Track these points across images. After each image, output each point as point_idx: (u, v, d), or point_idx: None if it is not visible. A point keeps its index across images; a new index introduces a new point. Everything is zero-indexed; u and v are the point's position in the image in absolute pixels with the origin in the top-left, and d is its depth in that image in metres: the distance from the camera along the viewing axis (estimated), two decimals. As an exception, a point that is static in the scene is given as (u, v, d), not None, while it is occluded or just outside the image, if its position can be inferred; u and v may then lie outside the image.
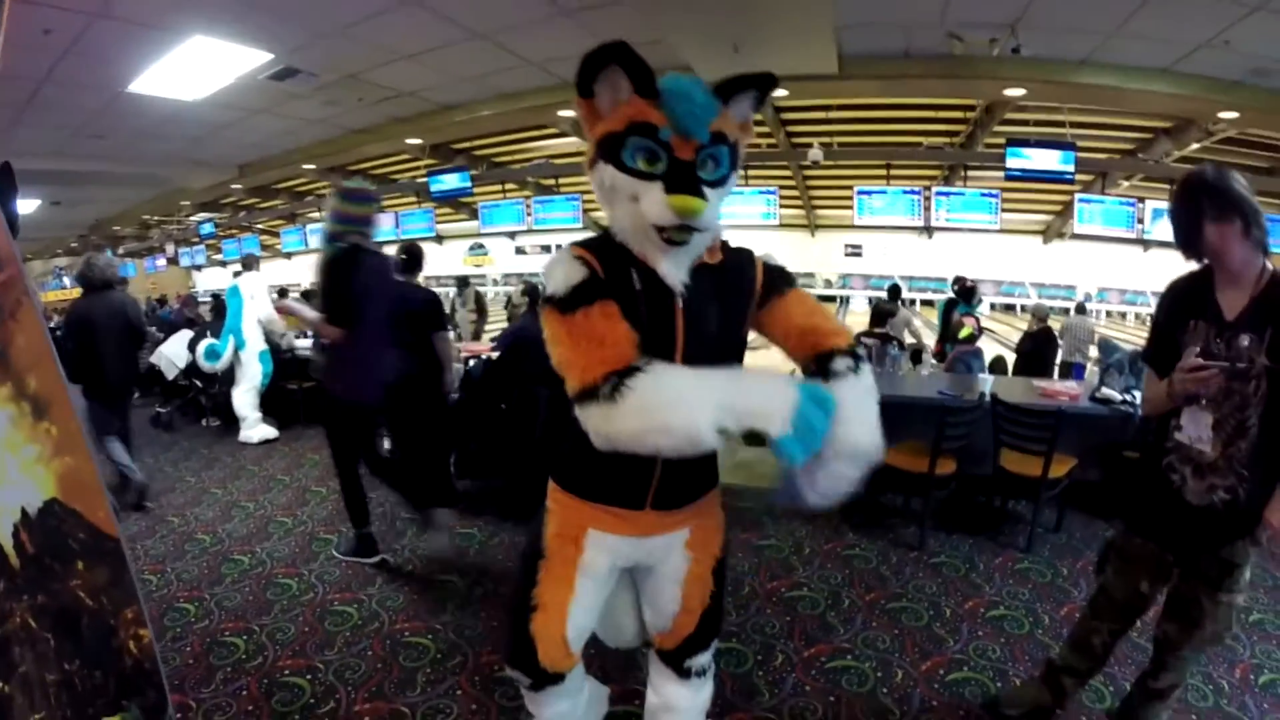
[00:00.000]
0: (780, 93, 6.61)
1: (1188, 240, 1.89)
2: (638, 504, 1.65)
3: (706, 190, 1.43)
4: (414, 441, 4.25)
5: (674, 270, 1.52)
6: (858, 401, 1.47)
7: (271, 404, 6.28)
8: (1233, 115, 7.23)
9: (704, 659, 1.91)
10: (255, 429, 6.04)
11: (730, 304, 1.60)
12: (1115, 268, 18.42)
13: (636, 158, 1.44)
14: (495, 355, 5.06)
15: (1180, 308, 1.98)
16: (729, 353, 1.57)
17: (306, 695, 2.52)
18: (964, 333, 5.99)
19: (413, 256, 4.24)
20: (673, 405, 1.32)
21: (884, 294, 8.65)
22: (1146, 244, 9.18)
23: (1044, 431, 3.71)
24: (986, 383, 4.90)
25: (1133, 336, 16.53)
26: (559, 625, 1.69)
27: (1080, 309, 9.49)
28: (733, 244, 1.66)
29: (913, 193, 9.23)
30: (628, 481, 1.63)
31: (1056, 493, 3.93)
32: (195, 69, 6.34)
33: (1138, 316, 21.41)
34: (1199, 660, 2.63)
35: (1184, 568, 2.04)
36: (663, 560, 1.78)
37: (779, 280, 1.66)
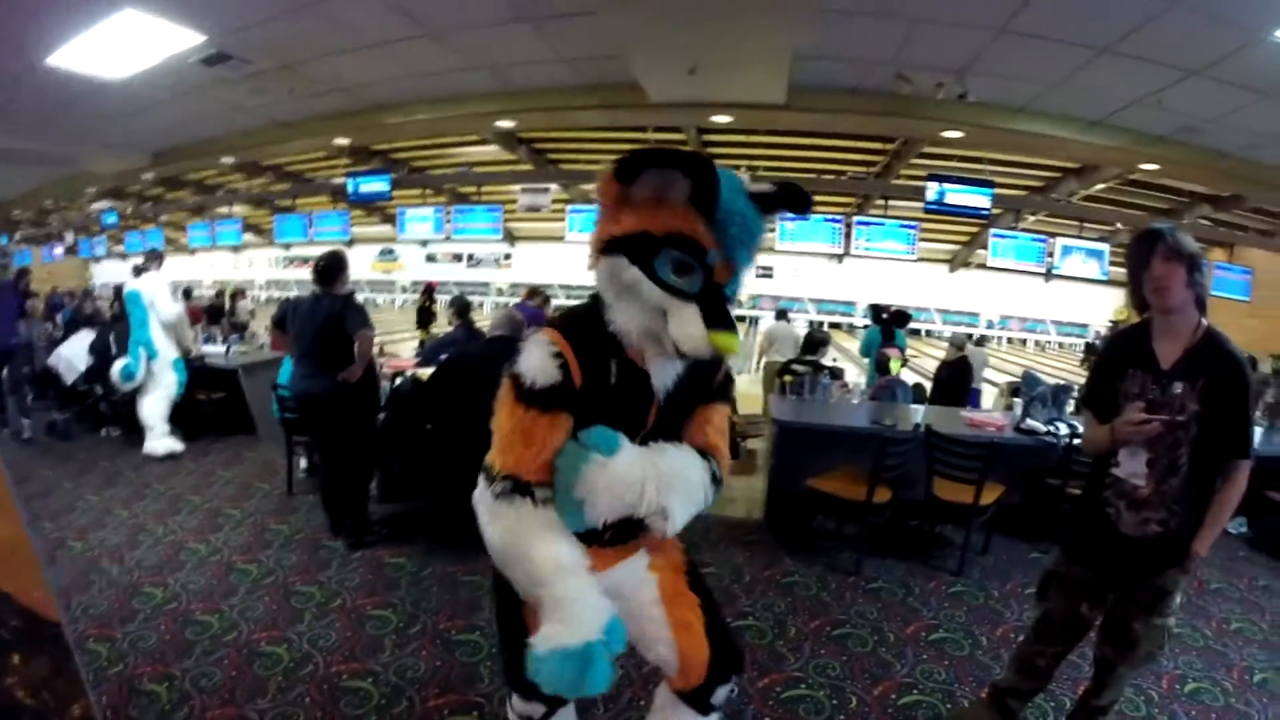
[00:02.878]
0: (723, 118, 6.65)
1: (1135, 278, 2.06)
2: (591, 541, 1.61)
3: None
4: (336, 458, 4.10)
5: (662, 375, 1.58)
6: None
7: (179, 415, 5.85)
8: (1153, 167, 7.75)
9: (725, 690, 1.89)
10: (161, 441, 5.62)
11: (695, 391, 1.68)
12: (1017, 296, 19.51)
13: (668, 268, 1.42)
14: (424, 372, 4.90)
15: (1119, 356, 2.16)
16: (680, 430, 1.69)
17: (241, 750, 2.33)
18: (894, 366, 6.18)
19: (328, 266, 4.14)
20: (518, 555, 1.51)
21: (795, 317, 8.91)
22: (1050, 275, 9.68)
23: (977, 462, 3.84)
24: (917, 412, 5.05)
25: (1033, 361, 17.51)
26: None
27: (980, 341, 9.95)
28: None
29: (834, 220, 9.47)
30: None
31: (986, 518, 4.07)
32: (122, 45, 5.89)
33: (1037, 343, 22.71)
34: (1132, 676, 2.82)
35: (1119, 594, 2.22)
36: (634, 590, 1.78)
37: (725, 386, 1.76)
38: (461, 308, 6.17)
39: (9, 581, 1.26)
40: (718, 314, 1.43)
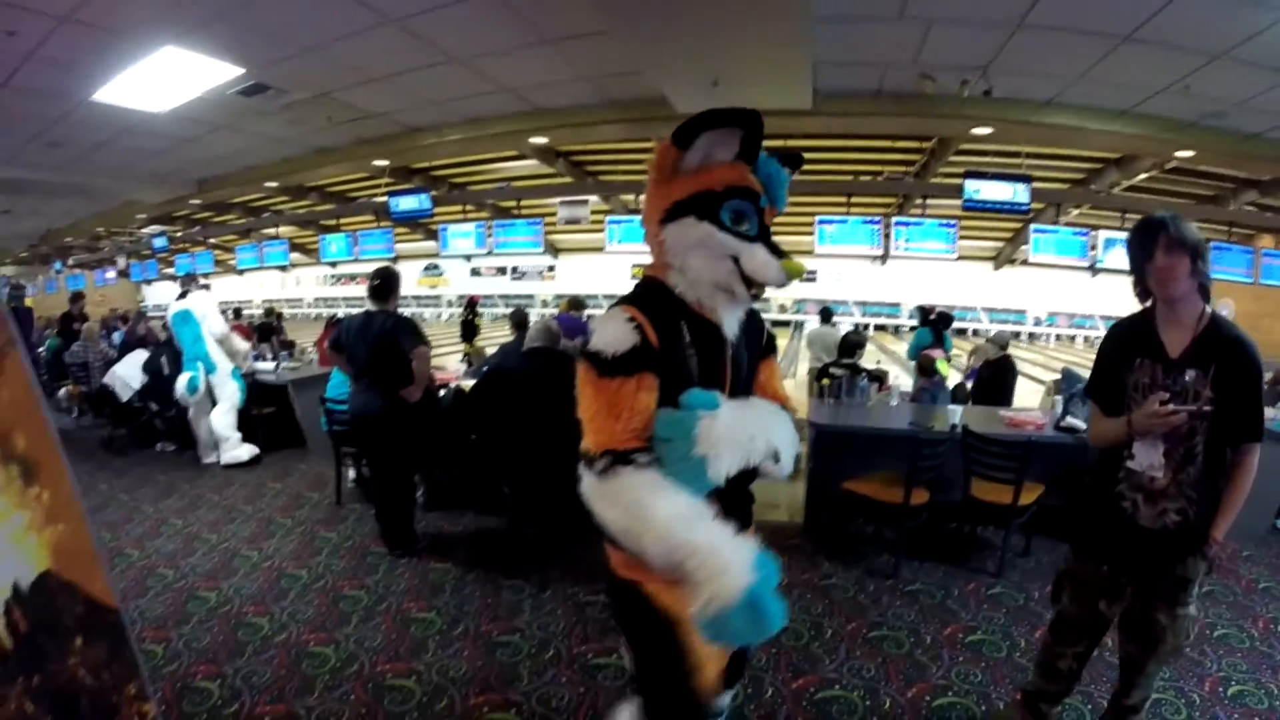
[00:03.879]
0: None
1: (1138, 268, 2.07)
2: None
3: None
4: (388, 471, 4.18)
5: (731, 322, 1.68)
6: None
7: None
8: (1188, 154, 7.58)
9: (723, 699, 1.94)
10: (239, 449, 5.91)
11: (753, 348, 1.78)
12: (1064, 292, 19.09)
13: (741, 220, 1.57)
14: (467, 384, 5.02)
15: (1125, 346, 2.15)
16: (751, 387, 1.79)
17: (289, 744, 2.43)
18: (943, 367, 6.13)
19: (383, 282, 4.19)
20: (637, 519, 1.45)
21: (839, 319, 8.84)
22: (1095, 270, 9.46)
23: (1014, 461, 3.82)
24: (955, 413, 5.00)
25: (1081, 358, 17.11)
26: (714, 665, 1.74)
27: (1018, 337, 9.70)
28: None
29: (873, 222, 9.36)
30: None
31: (1025, 519, 4.03)
32: (163, 80, 6.16)
33: (1086, 339, 22.13)
34: (1165, 674, 2.83)
35: (1138, 587, 2.19)
36: None
37: (771, 341, 1.92)
38: (520, 320, 6.27)
39: (74, 573, 1.37)
40: (777, 248, 1.60)
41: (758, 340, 1.81)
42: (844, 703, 2.76)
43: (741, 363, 1.72)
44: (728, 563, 1.39)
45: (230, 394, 5.92)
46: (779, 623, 1.38)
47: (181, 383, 5.79)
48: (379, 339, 4.02)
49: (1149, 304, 2.13)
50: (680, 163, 1.58)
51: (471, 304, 13.99)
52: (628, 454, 1.48)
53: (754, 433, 1.56)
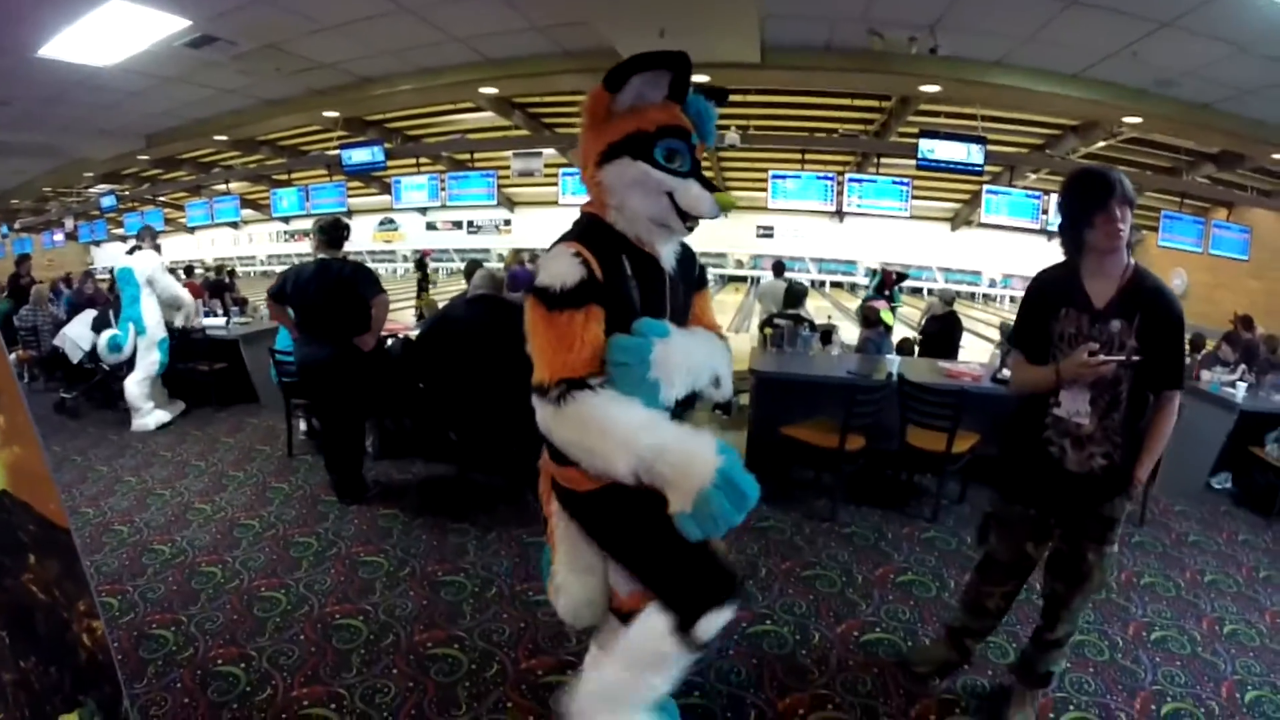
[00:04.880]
0: (701, 78, 6.68)
1: (1081, 220, 2.06)
2: None
3: None
4: (338, 421, 4.21)
5: (669, 254, 1.81)
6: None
7: (181, 386, 6.08)
8: (1136, 120, 7.74)
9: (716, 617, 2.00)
10: (150, 416, 5.77)
11: (688, 280, 1.90)
12: (1020, 255, 19.38)
13: (674, 157, 1.66)
14: (413, 333, 5.04)
15: (1050, 296, 2.19)
16: (687, 317, 1.90)
17: (242, 684, 2.51)
18: (887, 316, 6.28)
19: (337, 229, 4.17)
20: (601, 435, 1.56)
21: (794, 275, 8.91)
22: (1050, 234, 9.65)
23: (948, 410, 3.96)
24: (894, 363, 5.15)
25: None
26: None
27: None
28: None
29: (826, 178, 9.43)
30: None
31: (960, 467, 4.19)
32: (110, 33, 6.00)
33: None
34: (1090, 617, 2.99)
35: (1066, 528, 2.27)
36: None
37: (703, 273, 2.01)
38: (472, 271, 6.27)
39: (28, 493, 1.44)
40: (710, 183, 1.71)
41: (691, 272, 1.92)
42: (774, 637, 2.90)
43: (679, 293, 1.84)
44: (695, 452, 1.53)
45: (150, 362, 5.75)
46: (755, 493, 1.52)
47: (103, 339, 5.70)
48: (337, 285, 4.00)
49: (1074, 256, 2.16)
50: (613, 105, 1.67)
51: (422, 260, 13.90)
52: (583, 380, 1.58)
53: (700, 358, 1.73)
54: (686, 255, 1.90)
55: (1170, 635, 3.05)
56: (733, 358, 1.93)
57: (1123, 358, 2.01)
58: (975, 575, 2.59)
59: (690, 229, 1.75)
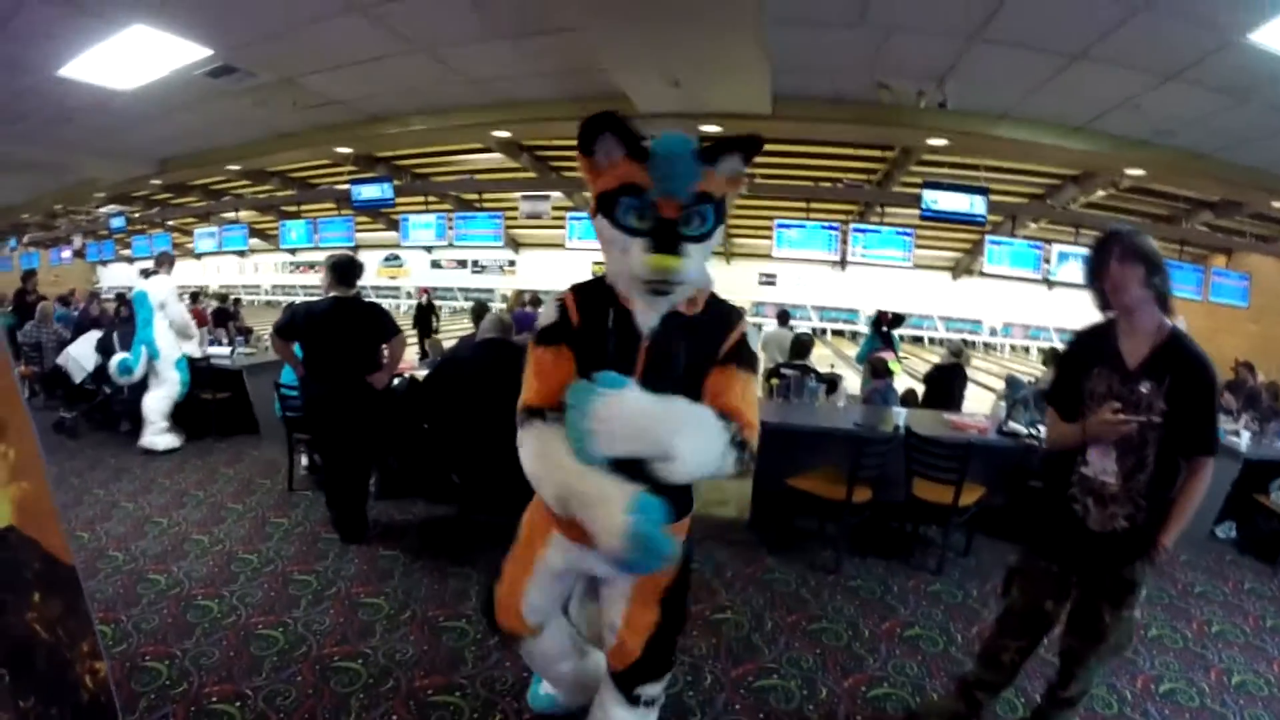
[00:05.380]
0: (712, 128, 6.77)
1: (1095, 278, 2.13)
2: None
3: (689, 246, 1.68)
4: (342, 459, 4.17)
5: (646, 314, 1.78)
6: None
7: (185, 414, 6.03)
8: (1139, 172, 7.83)
9: (653, 690, 2.06)
10: (161, 436, 5.77)
11: (697, 352, 1.80)
12: (1020, 304, 19.51)
13: (629, 215, 1.67)
14: (420, 374, 5.03)
15: (1085, 355, 2.22)
16: (688, 393, 1.73)
17: (236, 722, 2.45)
18: (895, 367, 6.28)
19: (351, 267, 4.17)
20: (537, 460, 1.70)
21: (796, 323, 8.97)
22: (1051, 283, 9.72)
23: (955, 462, 3.93)
24: (900, 415, 5.14)
25: (1035, 369, 17.50)
26: (512, 597, 2.06)
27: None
28: (728, 303, 1.90)
29: (831, 228, 9.51)
30: None
31: (966, 518, 4.16)
32: (131, 58, 6.04)
33: (1040, 350, 22.63)
34: (1102, 670, 2.83)
35: (1086, 587, 2.26)
36: (614, 576, 1.98)
37: (742, 354, 1.84)
38: (480, 312, 6.30)
39: (34, 529, 1.41)
40: (663, 242, 1.66)
41: (711, 345, 1.80)
42: (781, 691, 2.85)
43: (668, 357, 1.76)
44: (608, 503, 1.53)
45: (171, 381, 5.80)
46: (666, 549, 1.53)
47: (114, 361, 5.70)
48: (354, 323, 4.01)
49: (1111, 314, 2.18)
50: (593, 165, 1.74)
51: (429, 301, 14.02)
52: (540, 409, 1.73)
53: (649, 426, 1.58)
54: (713, 326, 1.82)
55: (1179, 688, 3.03)
56: (723, 447, 1.69)
57: (1143, 418, 2.02)
58: (994, 626, 2.58)
59: (654, 292, 1.71)
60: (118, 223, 14.76)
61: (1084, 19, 4.71)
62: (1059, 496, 2.23)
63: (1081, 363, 2.21)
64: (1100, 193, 9.92)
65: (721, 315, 1.85)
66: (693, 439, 1.62)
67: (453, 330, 13.89)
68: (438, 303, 14.33)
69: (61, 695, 1.44)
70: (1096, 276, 2.12)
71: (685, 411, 1.65)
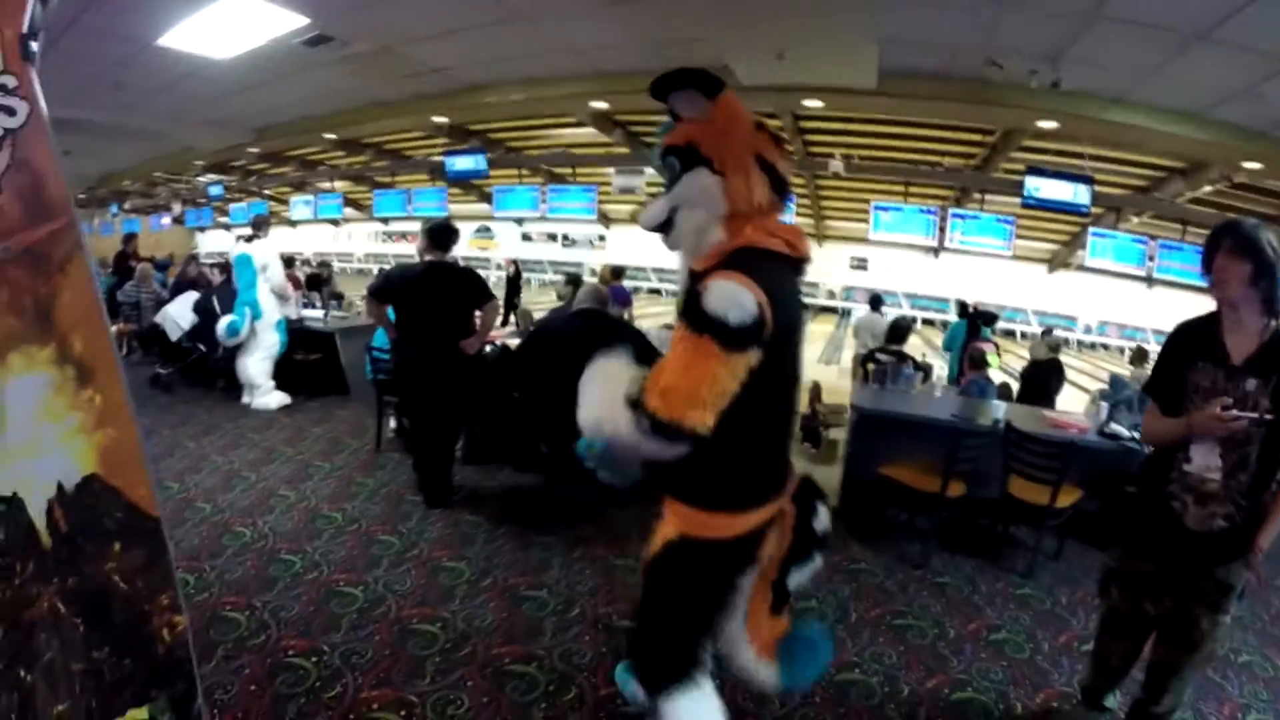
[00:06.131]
0: (815, 102, 6.55)
1: (1204, 264, 2.10)
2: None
3: (660, 198, 1.71)
4: (432, 423, 4.20)
5: (681, 271, 1.77)
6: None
7: (279, 374, 6.22)
8: (1256, 166, 7.32)
9: (638, 690, 1.96)
10: (270, 396, 6.03)
11: None
12: (1118, 302, 18.55)
13: None
14: (513, 341, 5.04)
15: (1189, 347, 2.16)
16: None
17: (312, 678, 2.48)
18: (993, 360, 6.04)
19: (447, 231, 4.16)
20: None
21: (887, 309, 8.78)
22: (1152, 281, 9.20)
23: (1055, 461, 3.75)
24: (999, 409, 4.92)
25: (1128, 370, 16.66)
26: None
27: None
28: (733, 253, 1.62)
29: (929, 212, 9.22)
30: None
31: (1060, 521, 3.97)
32: (228, 27, 6.19)
33: (1130, 350, 21.54)
34: (1191, 685, 2.71)
35: (1180, 590, 2.21)
36: None
37: (689, 309, 1.56)
38: (574, 282, 6.32)
39: (119, 478, 1.40)
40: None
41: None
42: (863, 687, 2.75)
43: None
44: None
45: (270, 343, 6.02)
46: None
47: (223, 323, 5.90)
48: (448, 287, 4.01)
49: (1219, 309, 2.12)
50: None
51: (515, 269, 14.15)
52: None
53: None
54: (699, 280, 1.62)
55: (1266, 719, 2.83)
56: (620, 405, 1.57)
57: (1255, 415, 1.96)
58: (1099, 628, 2.54)
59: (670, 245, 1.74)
60: (216, 190, 15.36)
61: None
62: (1157, 494, 2.18)
63: (1185, 355, 2.16)
64: (1207, 188, 9.32)
65: (710, 270, 1.60)
66: (591, 389, 1.64)
67: (541, 303, 14.02)
68: (528, 275, 14.42)
69: (137, 647, 1.43)
70: (1207, 266, 2.08)
71: (607, 364, 1.67)
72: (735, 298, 1.48)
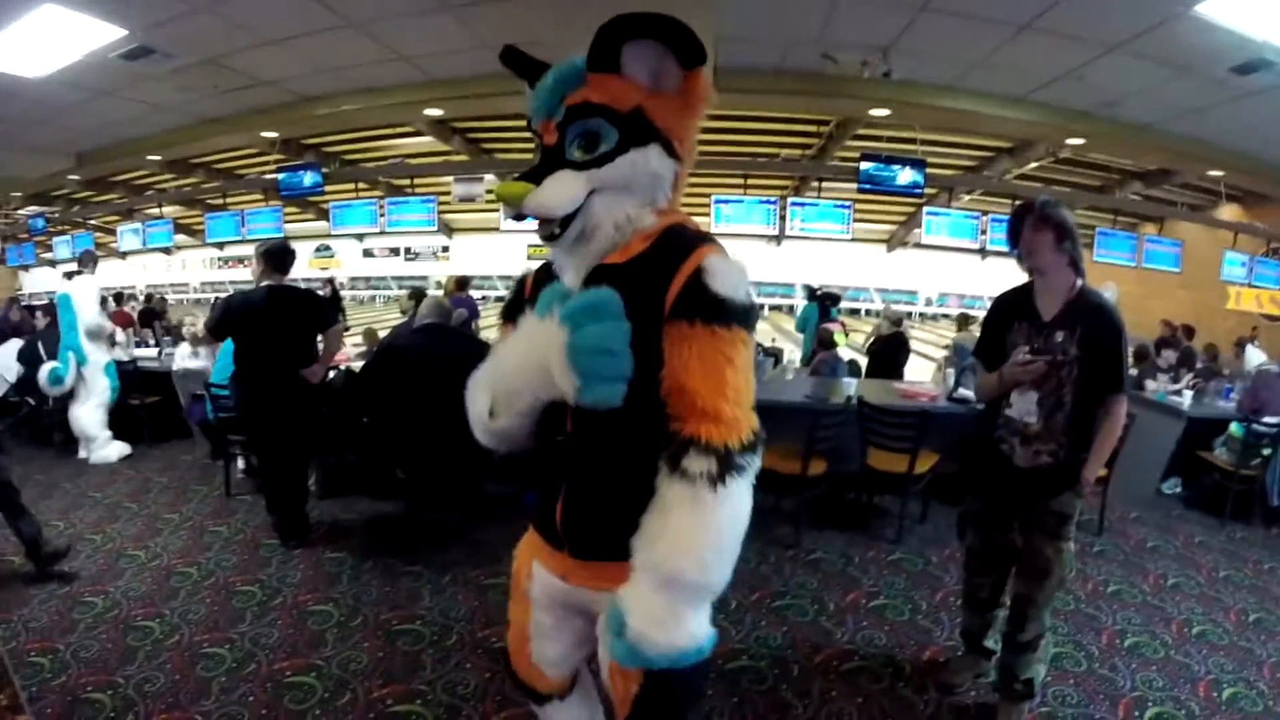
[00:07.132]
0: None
1: (1012, 241, 2.39)
2: (553, 539, 1.43)
3: (566, 173, 1.26)
4: (281, 459, 4.00)
5: (567, 273, 1.35)
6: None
7: (115, 422, 5.73)
8: (1079, 141, 7.97)
9: None
10: (109, 447, 5.55)
11: (631, 312, 1.21)
12: (955, 274, 19.95)
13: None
14: (357, 365, 4.86)
15: (1006, 312, 2.47)
16: (641, 384, 1.21)
17: (188, 753, 2.31)
18: (840, 339, 6.31)
19: (284, 253, 3.95)
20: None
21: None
22: (985, 253, 9.88)
23: (909, 431, 4.00)
24: (850, 386, 5.17)
25: (970, 338, 17.90)
26: (521, 642, 1.59)
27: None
28: (691, 233, 1.33)
29: (769, 203, 9.45)
30: (543, 506, 1.44)
31: (921, 487, 4.23)
32: (41, 42, 5.64)
33: (974, 320, 23.14)
34: (1063, 628, 3.14)
35: (1023, 522, 2.48)
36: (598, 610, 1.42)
37: (698, 300, 1.21)
38: (418, 297, 6.14)
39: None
40: (531, 170, 1.28)
41: (650, 297, 1.24)
42: (754, 672, 2.83)
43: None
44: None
45: (101, 389, 5.53)
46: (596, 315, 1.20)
47: (44, 371, 5.41)
48: (291, 312, 3.81)
49: (1031, 278, 2.41)
50: None
51: (332, 289, 13.66)
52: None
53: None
54: (646, 267, 1.27)
55: (1143, 641, 3.15)
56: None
57: (1049, 357, 2.26)
58: (964, 571, 2.78)
59: (544, 239, 1.31)
60: (38, 224, 14.02)
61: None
62: (989, 439, 2.47)
63: (1004, 319, 2.45)
64: (1033, 164, 10.15)
65: (670, 252, 1.25)
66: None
67: (386, 320, 13.56)
68: (373, 293, 13.81)
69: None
70: (1014, 242, 2.37)
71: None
72: (741, 273, 1.26)
